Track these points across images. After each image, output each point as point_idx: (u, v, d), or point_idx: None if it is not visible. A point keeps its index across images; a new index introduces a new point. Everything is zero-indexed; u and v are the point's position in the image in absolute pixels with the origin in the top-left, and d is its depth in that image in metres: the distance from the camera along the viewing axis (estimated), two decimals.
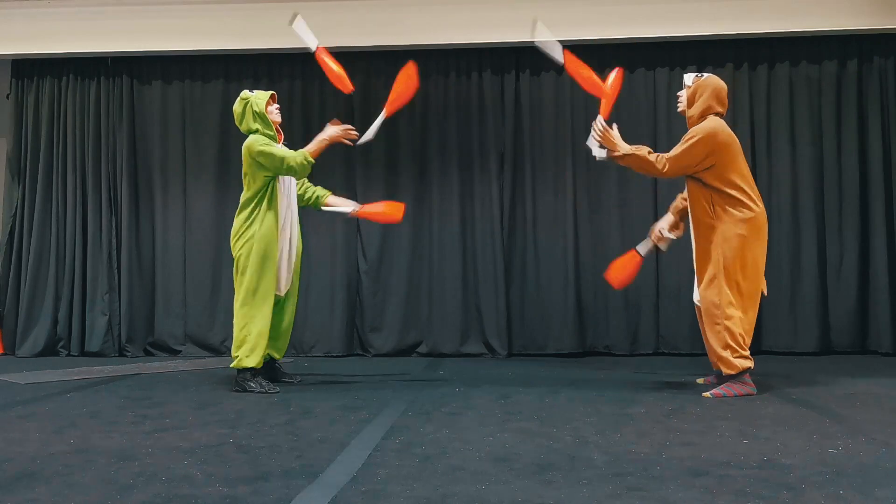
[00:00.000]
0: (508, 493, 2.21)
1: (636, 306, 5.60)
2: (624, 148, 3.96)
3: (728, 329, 3.78)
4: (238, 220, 4.15)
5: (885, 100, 5.58)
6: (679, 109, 4.11)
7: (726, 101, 4.03)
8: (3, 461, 2.63)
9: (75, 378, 4.63)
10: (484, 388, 4.13)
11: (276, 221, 4.10)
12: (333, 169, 5.74)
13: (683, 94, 4.05)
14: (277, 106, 4.26)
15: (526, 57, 5.79)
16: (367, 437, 2.94)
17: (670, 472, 2.41)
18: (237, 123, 4.25)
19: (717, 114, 3.96)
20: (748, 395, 3.80)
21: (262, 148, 4.04)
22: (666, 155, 3.92)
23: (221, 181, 5.88)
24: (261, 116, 4.13)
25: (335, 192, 5.77)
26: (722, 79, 4.06)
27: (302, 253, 4.41)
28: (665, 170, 3.89)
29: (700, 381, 4.21)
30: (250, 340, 4.02)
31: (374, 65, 5.82)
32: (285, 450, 2.76)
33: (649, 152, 3.95)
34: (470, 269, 5.73)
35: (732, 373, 3.79)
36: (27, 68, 6.03)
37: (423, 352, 5.70)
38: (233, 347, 4.11)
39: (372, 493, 2.23)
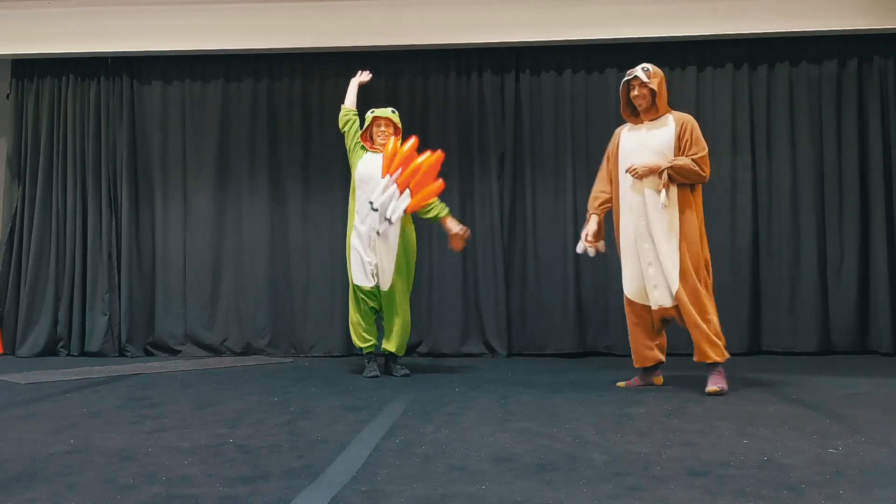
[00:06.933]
0: (508, 493, 2.21)
1: None
2: (663, 163, 3.81)
3: (715, 319, 3.88)
4: None
5: (885, 100, 5.58)
6: (642, 106, 3.90)
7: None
8: (3, 461, 2.62)
9: (75, 378, 4.63)
10: (484, 388, 4.13)
11: (352, 216, 4.53)
12: (334, 169, 5.74)
13: (647, 87, 3.85)
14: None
15: (526, 57, 5.79)
16: (367, 437, 2.94)
17: (670, 472, 2.41)
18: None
19: None
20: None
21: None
22: (693, 155, 3.80)
23: (221, 181, 5.89)
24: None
25: (335, 192, 5.83)
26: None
27: (405, 248, 4.52)
28: (706, 168, 3.83)
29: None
30: (351, 325, 4.62)
31: (374, 65, 5.82)
32: (285, 450, 2.76)
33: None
34: (470, 268, 5.73)
35: (720, 361, 3.85)
36: (27, 68, 6.03)
37: (423, 352, 5.69)
38: None
39: (372, 493, 2.22)
